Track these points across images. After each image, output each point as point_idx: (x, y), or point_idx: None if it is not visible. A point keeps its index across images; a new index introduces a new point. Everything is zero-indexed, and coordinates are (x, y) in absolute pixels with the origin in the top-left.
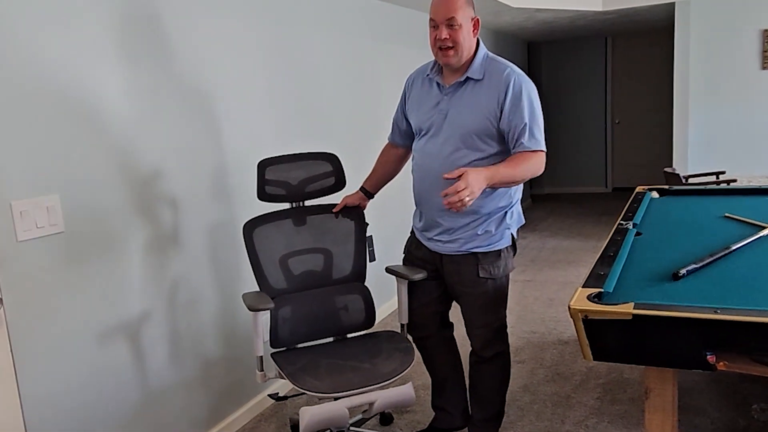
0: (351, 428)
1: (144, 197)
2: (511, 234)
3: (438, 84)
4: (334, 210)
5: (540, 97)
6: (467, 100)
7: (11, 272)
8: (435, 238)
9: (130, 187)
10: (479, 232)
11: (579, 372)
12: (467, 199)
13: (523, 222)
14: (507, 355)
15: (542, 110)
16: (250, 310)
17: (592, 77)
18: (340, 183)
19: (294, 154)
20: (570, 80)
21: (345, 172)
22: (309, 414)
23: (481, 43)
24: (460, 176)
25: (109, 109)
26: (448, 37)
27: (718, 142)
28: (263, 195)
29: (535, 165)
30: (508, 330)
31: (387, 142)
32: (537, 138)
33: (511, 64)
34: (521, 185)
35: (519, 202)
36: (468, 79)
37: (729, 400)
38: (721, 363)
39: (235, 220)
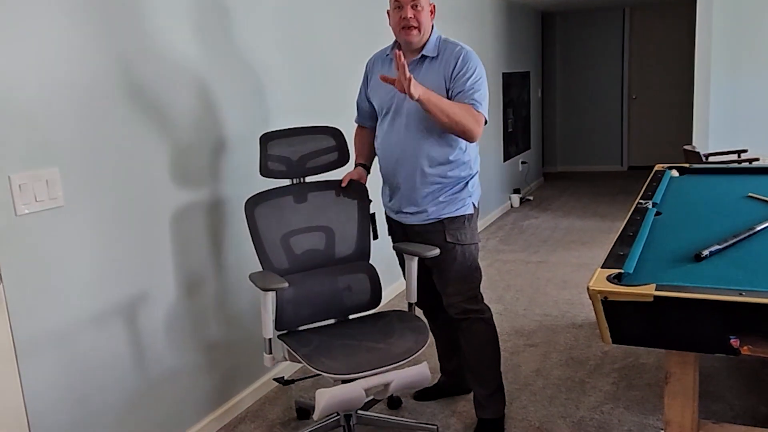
0: (359, 412)
1: (145, 171)
2: (473, 203)
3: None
4: (342, 184)
5: (554, 71)
6: (423, 77)
7: (10, 248)
8: (404, 211)
9: (131, 161)
10: (442, 199)
11: (594, 356)
12: (407, 80)
13: (480, 194)
14: (486, 315)
15: (556, 83)
16: (263, 290)
17: (608, 50)
18: (343, 158)
19: (296, 128)
20: (585, 53)
21: (349, 147)
22: (327, 396)
23: (435, 27)
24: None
25: (108, 80)
26: (412, 16)
27: (741, 118)
28: (266, 170)
29: (471, 121)
30: (521, 312)
31: (355, 124)
32: (479, 101)
33: (464, 44)
34: (477, 158)
35: (478, 174)
36: (424, 57)
37: (750, 387)
38: (745, 347)
39: (236, 197)
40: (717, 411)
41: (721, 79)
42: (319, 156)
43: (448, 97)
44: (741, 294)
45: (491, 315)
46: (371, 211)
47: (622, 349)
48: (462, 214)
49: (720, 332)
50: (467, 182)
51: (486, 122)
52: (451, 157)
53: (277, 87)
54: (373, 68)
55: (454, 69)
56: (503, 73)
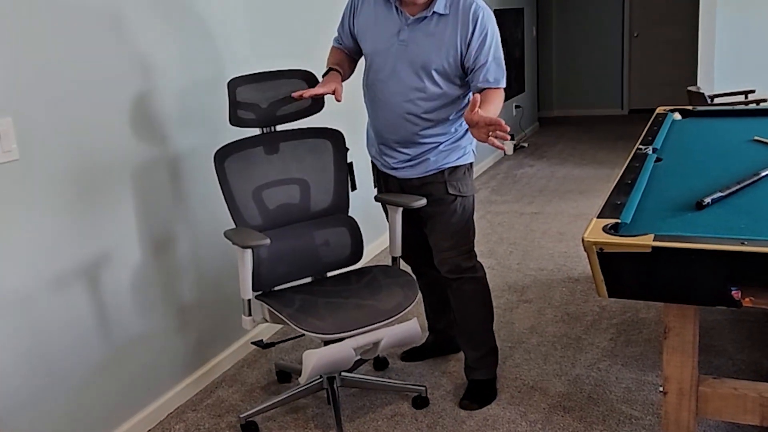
0: (343, 374)
1: (106, 121)
2: (473, 151)
3: (398, 9)
4: (303, 95)
5: (550, 7)
6: (431, 35)
7: None
8: (400, 165)
9: (90, 111)
10: (443, 148)
11: (591, 312)
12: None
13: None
14: (479, 273)
15: (552, 20)
16: (242, 247)
17: None
18: (317, 104)
19: (265, 72)
20: None
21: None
22: (315, 357)
23: None
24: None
25: (66, 19)
26: None
27: (748, 57)
28: (235, 119)
29: (501, 104)
30: (515, 267)
31: (333, 45)
32: (500, 77)
33: None
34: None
35: None
36: (434, 13)
37: (753, 341)
38: (747, 299)
39: (203, 148)
40: (718, 366)
41: (727, 14)
42: (290, 102)
43: (461, 62)
44: (743, 243)
45: (484, 274)
46: (348, 161)
47: (620, 304)
48: (463, 163)
49: (721, 283)
50: (467, 129)
51: None
52: (451, 116)
53: (246, 31)
54: (362, 4)
55: (473, 35)
56: (495, 10)
